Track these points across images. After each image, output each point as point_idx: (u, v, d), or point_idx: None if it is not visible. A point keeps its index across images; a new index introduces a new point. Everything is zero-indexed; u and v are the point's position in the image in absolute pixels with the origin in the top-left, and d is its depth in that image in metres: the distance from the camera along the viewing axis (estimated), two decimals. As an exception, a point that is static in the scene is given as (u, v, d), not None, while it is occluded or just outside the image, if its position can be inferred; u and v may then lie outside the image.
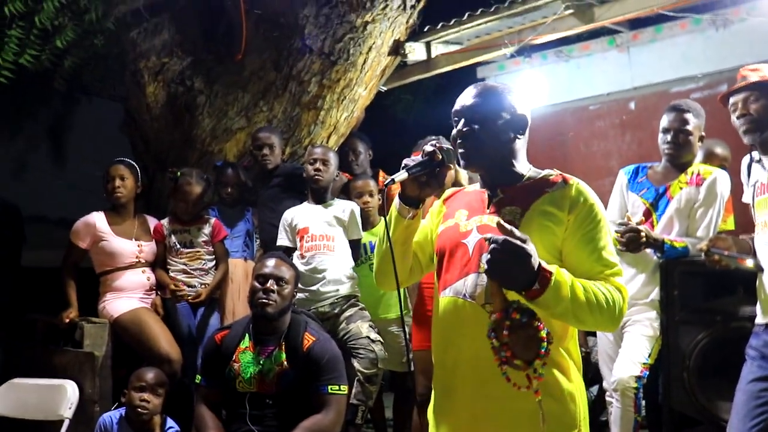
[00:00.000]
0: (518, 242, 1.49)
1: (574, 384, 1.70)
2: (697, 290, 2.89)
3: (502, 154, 1.79)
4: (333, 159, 3.56)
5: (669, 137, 3.06)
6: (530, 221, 1.69)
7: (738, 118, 2.60)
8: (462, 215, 1.82)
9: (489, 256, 1.49)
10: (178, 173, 3.68)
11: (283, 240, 3.57)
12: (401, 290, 1.83)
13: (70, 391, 3.24)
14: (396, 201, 1.80)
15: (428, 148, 1.74)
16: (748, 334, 2.63)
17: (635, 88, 5.29)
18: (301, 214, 3.54)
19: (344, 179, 3.79)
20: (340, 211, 3.52)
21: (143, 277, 3.62)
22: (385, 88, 4.70)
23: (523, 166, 1.82)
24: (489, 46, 4.35)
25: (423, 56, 4.54)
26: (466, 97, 1.80)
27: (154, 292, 3.67)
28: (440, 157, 1.73)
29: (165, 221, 3.70)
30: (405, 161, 1.76)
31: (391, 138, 4.16)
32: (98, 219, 3.61)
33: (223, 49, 4.14)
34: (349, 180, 3.94)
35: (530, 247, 1.51)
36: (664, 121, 3.10)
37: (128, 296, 3.57)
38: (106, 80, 4.57)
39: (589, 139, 5.49)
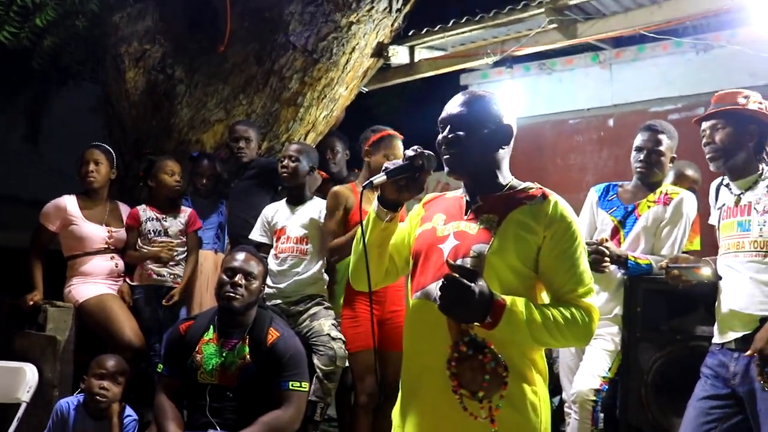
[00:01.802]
0: (464, 281, 1.55)
1: (538, 395, 1.73)
2: (659, 308, 2.93)
3: (486, 163, 1.81)
4: (305, 156, 3.50)
5: (642, 156, 3.10)
6: (506, 230, 1.72)
7: (704, 146, 2.66)
8: (440, 220, 1.85)
9: (440, 293, 1.57)
10: (153, 158, 3.66)
11: (259, 235, 3.55)
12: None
13: (29, 374, 3.20)
14: (374, 203, 1.82)
15: (409, 152, 1.76)
16: (705, 353, 2.69)
17: (615, 105, 5.38)
18: (281, 214, 3.53)
19: (319, 178, 3.78)
20: (317, 212, 3.51)
21: (111, 263, 3.60)
22: (366, 89, 4.72)
23: (505, 176, 1.84)
24: (472, 54, 4.37)
25: (406, 60, 4.56)
26: (453, 105, 1.83)
27: (121, 278, 3.64)
28: (420, 162, 1.74)
29: (141, 207, 3.67)
30: (385, 164, 1.78)
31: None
32: (69, 202, 3.58)
33: (206, 40, 4.12)
34: (326, 179, 3.95)
35: (479, 284, 1.56)
36: (638, 140, 3.15)
37: (95, 281, 3.55)
38: (85, 63, 4.52)
39: (567, 153, 5.55)
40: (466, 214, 1.82)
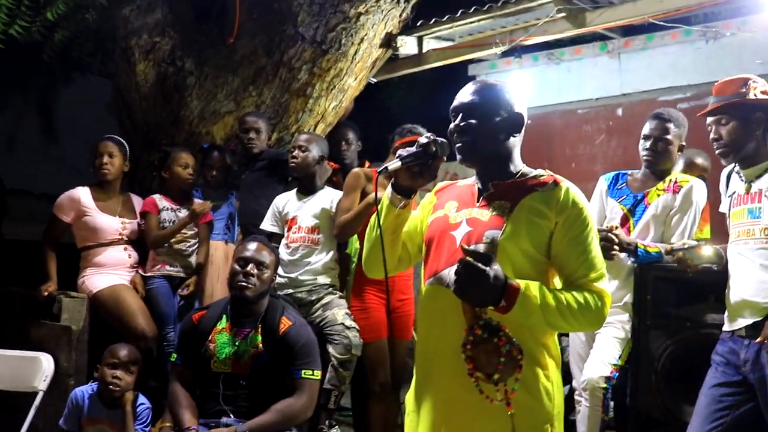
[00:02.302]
0: (478, 265, 1.57)
1: (551, 380, 1.76)
2: (670, 296, 2.94)
3: (498, 151, 1.83)
4: (315, 146, 3.52)
5: (648, 144, 3.10)
6: (518, 216, 1.74)
7: (712, 141, 2.66)
8: (452, 207, 1.87)
9: (455, 277, 1.59)
10: (168, 149, 3.69)
11: (270, 225, 3.57)
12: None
13: (45, 363, 3.22)
14: (388, 190, 1.84)
15: (423, 139, 1.78)
16: (716, 340, 2.70)
17: (624, 95, 5.37)
18: (292, 204, 3.55)
19: (329, 168, 3.80)
20: (328, 202, 3.52)
21: (125, 254, 3.63)
22: (375, 80, 4.72)
23: (516, 163, 1.86)
24: (480, 44, 4.37)
25: (414, 50, 4.56)
26: (465, 94, 1.84)
27: (134, 269, 3.67)
28: (434, 148, 1.77)
29: (156, 197, 3.69)
30: (399, 151, 1.80)
31: (385, 132, 4.18)
32: (83, 194, 3.61)
33: (215, 32, 4.14)
34: (336, 170, 3.96)
35: (493, 268, 1.59)
36: (646, 128, 3.15)
37: (108, 272, 3.58)
38: (95, 56, 4.54)
39: (575, 142, 5.55)
40: (478, 201, 1.84)
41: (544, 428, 1.73)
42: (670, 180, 3.10)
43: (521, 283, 1.62)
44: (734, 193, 2.72)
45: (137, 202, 3.75)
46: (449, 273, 1.74)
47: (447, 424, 1.75)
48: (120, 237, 3.63)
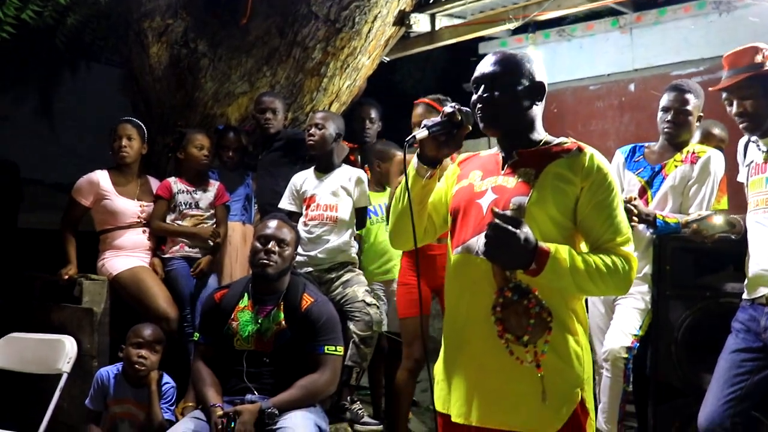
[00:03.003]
0: (509, 227, 1.58)
1: (580, 344, 1.78)
2: (689, 266, 2.95)
3: (520, 120, 1.85)
4: (331, 123, 3.53)
5: (669, 116, 3.10)
6: (544, 182, 1.75)
7: (736, 115, 2.64)
8: (476, 176, 1.89)
9: (484, 240, 1.60)
10: (184, 130, 3.70)
11: (288, 204, 3.58)
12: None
13: (68, 345, 3.26)
14: (414, 160, 1.86)
15: (448, 108, 1.80)
16: (735, 309, 2.71)
17: (636, 70, 5.33)
18: (310, 182, 3.56)
19: (346, 147, 3.80)
20: (346, 180, 3.54)
21: (143, 236, 3.66)
22: (387, 59, 4.71)
23: (539, 131, 1.88)
24: (493, 20, 4.35)
25: (427, 28, 4.54)
26: (486, 64, 1.86)
27: (152, 251, 3.70)
28: (459, 118, 1.78)
29: (172, 179, 3.71)
30: (424, 122, 1.81)
31: (395, 112, 4.18)
32: (102, 177, 3.63)
33: (228, 13, 4.13)
34: (354, 148, 3.96)
35: (524, 231, 1.60)
36: (665, 100, 3.14)
37: (127, 254, 3.60)
38: (107, 40, 4.54)
39: (588, 119, 5.53)
40: (503, 169, 1.86)
41: (575, 392, 1.75)
42: (688, 151, 3.09)
43: (551, 247, 1.64)
44: (752, 162, 2.72)
45: (155, 184, 3.76)
46: (478, 241, 1.76)
47: (480, 389, 1.77)
48: (139, 220, 3.65)
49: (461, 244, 1.83)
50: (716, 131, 3.67)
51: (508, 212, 1.67)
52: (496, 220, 1.60)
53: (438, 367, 1.92)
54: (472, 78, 1.89)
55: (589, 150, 1.80)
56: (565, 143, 1.84)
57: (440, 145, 1.82)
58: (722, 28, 4.96)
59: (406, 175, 1.84)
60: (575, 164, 1.77)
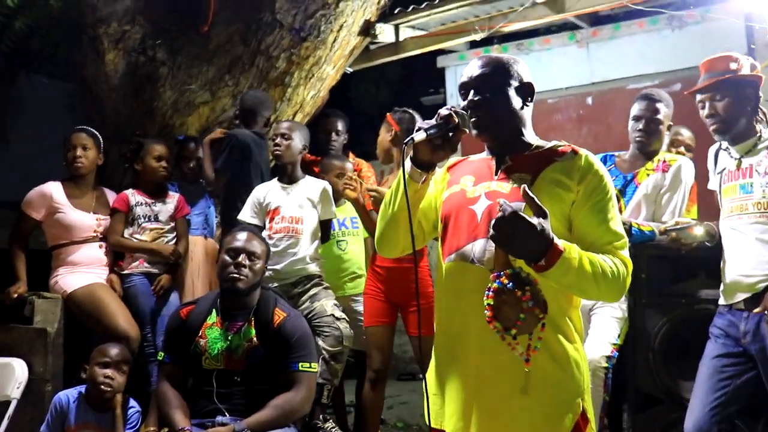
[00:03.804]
0: (527, 218, 1.51)
1: (579, 352, 1.72)
2: (664, 274, 2.97)
3: (513, 122, 1.81)
4: (297, 134, 3.45)
5: (641, 125, 3.12)
6: (540, 188, 1.69)
7: (707, 117, 2.69)
8: (468, 181, 1.83)
9: (495, 222, 1.52)
10: (142, 140, 3.54)
11: (249, 216, 3.46)
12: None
13: (18, 369, 3.08)
14: (407, 164, 1.78)
15: (444, 111, 1.73)
16: (711, 315, 2.73)
17: (593, 83, 5.44)
18: (274, 194, 3.45)
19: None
20: (311, 191, 3.45)
21: (100, 251, 3.47)
22: (351, 70, 4.65)
23: (530, 135, 1.84)
24: (458, 31, 4.34)
25: (392, 39, 4.50)
26: (474, 68, 1.81)
27: (109, 267, 3.51)
28: (456, 120, 1.71)
29: (129, 192, 3.53)
30: (419, 124, 1.74)
31: (355, 128, 4.12)
32: (55, 189, 3.43)
33: (188, 20, 3.99)
34: (316, 161, 3.87)
35: (544, 224, 1.53)
36: (635, 109, 3.16)
37: (83, 271, 3.40)
38: (57, 47, 4.33)
39: (546, 132, 5.49)
40: (496, 174, 1.80)
41: (576, 402, 1.69)
42: (659, 159, 3.13)
43: (565, 246, 1.57)
44: (724, 169, 2.76)
45: (111, 197, 3.58)
46: (472, 249, 1.70)
47: (479, 403, 1.69)
48: (95, 234, 3.46)
49: (455, 251, 1.76)
50: (683, 132, 3.75)
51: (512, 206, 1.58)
52: (515, 210, 1.52)
53: (430, 381, 1.84)
54: (459, 83, 1.84)
55: (583, 152, 1.77)
56: (559, 146, 1.80)
57: (435, 148, 1.75)
58: (676, 43, 5.12)
59: (403, 179, 1.76)
60: (571, 168, 1.73)
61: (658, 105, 3.10)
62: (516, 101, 1.80)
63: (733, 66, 2.66)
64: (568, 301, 1.72)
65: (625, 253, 1.71)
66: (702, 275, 2.97)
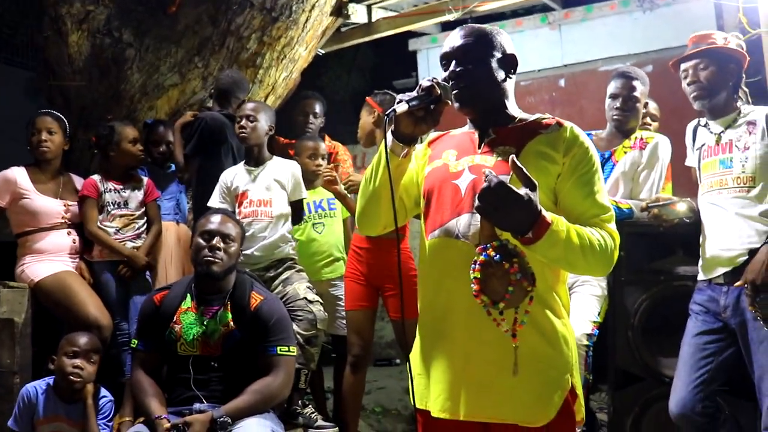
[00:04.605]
0: (514, 189, 1.47)
1: (567, 327, 1.70)
2: (642, 251, 2.98)
3: (496, 94, 1.77)
4: (263, 115, 3.35)
5: (618, 103, 3.11)
6: (525, 161, 1.64)
7: (689, 84, 2.71)
8: (451, 155, 1.78)
9: (480, 192, 1.47)
10: (114, 125, 3.42)
11: (218, 202, 3.36)
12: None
13: (-17, 362, 2.96)
14: (389, 138, 1.72)
15: (425, 82, 1.67)
16: (690, 292, 2.74)
17: (565, 66, 5.42)
18: (241, 178, 3.36)
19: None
20: (279, 173, 3.36)
21: (68, 239, 3.35)
22: (323, 51, 4.57)
23: (513, 107, 1.80)
24: (431, 11, 4.29)
25: (364, 19, 4.43)
26: (456, 39, 1.76)
27: (78, 255, 3.39)
28: (438, 92, 1.66)
29: (97, 177, 3.40)
30: (400, 96, 1.68)
31: (327, 113, 4.05)
32: (19, 174, 3.30)
33: (154, 1, 3.87)
34: (291, 143, 3.80)
35: (531, 195, 1.49)
36: (612, 87, 3.16)
37: (51, 259, 3.28)
38: (18, 27, 4.16)
39: (520, 114, 5.57)
40: (479, 148, 1.75)
41: (565, 378, 1.67)
42: (636, 137, 3.12)
43: (552, 218, 1.53)
44: (703, 145, 2.77)
45: (79, 182, 3.45)
46: (456, 224, 1.66)
47: (466, 381, 1.65)
48: (63, 220, 3.34)
49: (439, 227, 1.71)
50: (649, 104, 3.73)
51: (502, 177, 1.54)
52: (501, 180, 1.47)
53: (415, 361, 1.79)
54: (441, 54, 1.79)
55: (568, 124, 1.73)
56: (543, 119, 1.77)
57: (417, 121, 1.69)
58: (647, 24, 5.12)
59: (386, 152, 1.71)
60: (556, 140, 1.69)
61: (635, 83, 3.10)
62: (499, 73, 1.75)
63: (720, 41, 2.69)
64: (555, 276, 1.69)
65: (613, 226, 1.68)
66: (680, 252, 2.99)
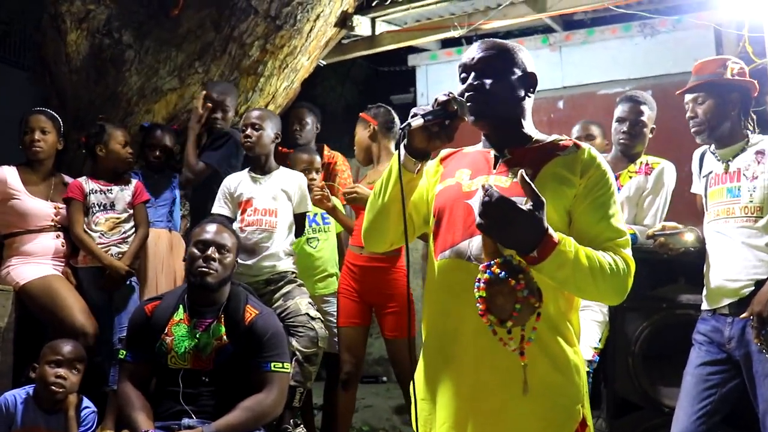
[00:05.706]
0: (516, 203, 1.42)
1: (578, 356, 1.64)
2: (644, 278, 2.90)
3: (513, 112, 1.71)
4: (269, 123, 3.31)
5: (625, 127, 3.10)
6: (542, 184, 1.59)
7: (688, 119, 2.69)
8: (464, 175, 1.72)
9: (480, 207, 1.43)
10: (105, 125, 3.34)
11: (218, 207, 3.30)
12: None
13: (-37, 367, 2.85)
14: (402, 152, 1.66)
15: (442, 97, 1.61)
16: (692, 321, 2.70)
17: (564, 87, 5.43)
18: (246, 185, 3.29)
19: None
20: (286, 183, 3.31)
21: (57, 242, 3.24)
22: (324, 63, 4.52)
23: (530, 127, 1.75)
24: (434, 27, 4.26)
25: (368, 32, 4.39)
26: (476, 51, 1.71)
27: (65, 259, 3.29)
28: (455, 107, 1.60)
29: (83, 179, 3.30)
30: (414, 110, 1.63)
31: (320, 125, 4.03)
32: (9, 174, 3.20)
33: (157, 2, 3.80)
34: (288, 153, 3.74)
35: (537, 212, 1.44)
36: (620, 111, 3.14)
37: (37, 261, 3.18)
38: (12, 24, 4.08)
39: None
40: (494, 168, 1.70)
41: (576, 409, 1.61)
42: (641, 162, 3.11)
43: (561, 238, 1.47)
44: (711, 172, 2.74)
45: (71, 184, 3.36)
46: (468, 245, 1.60)
47: (475, 409, 1.59)
48: (52, 223, 3.24)
49: (449, 248, 1.65)
50: (592, 128, 3.73)
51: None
52: (502, 195, 1.43)
53: (419, 383, 1.72)
54: (459, 64, 1.73)
55: (585, 146, 1.69)
56: (560, 140, 1.72)
57: (431, 136, 1.63)
58: (648, 50, 5.16)
59: (399, 167, 1.64)
60: (573, 162, 1.64)
61: (642, 107, 3.09)
62: (518, 90, 1.70)
63: (719, 70, 2.66)
64: (568, 303, 1.63)
65: (628, 251, 1.62)
66: (682, 280, 2.96)
